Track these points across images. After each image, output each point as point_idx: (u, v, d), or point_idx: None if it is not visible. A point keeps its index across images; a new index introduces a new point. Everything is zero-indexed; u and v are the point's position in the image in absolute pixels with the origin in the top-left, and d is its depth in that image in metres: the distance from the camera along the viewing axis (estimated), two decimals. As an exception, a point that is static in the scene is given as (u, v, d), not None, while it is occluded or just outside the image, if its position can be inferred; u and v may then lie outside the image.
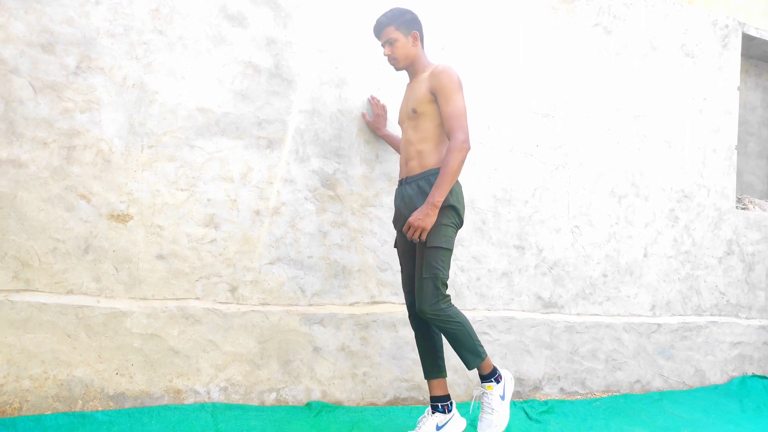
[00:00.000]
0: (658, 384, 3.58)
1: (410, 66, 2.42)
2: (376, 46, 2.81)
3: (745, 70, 4.53)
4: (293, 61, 2.67)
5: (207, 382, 2.48)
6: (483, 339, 3.02)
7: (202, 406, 2.42)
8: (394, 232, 2.81)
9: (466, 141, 2.18)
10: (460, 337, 2.24)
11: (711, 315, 3.80)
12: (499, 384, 2.35)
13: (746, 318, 3.93)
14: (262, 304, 2.58)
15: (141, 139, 2.39)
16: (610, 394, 3.39)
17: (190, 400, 2.44)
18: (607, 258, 3.44)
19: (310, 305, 2.67)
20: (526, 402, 3.02)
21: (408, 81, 2.52)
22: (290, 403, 2.61)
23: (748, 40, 4.17)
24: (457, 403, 2.84)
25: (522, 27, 3.24)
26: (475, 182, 3.05)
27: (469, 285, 3.03)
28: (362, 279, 2.78)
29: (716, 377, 3.80)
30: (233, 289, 2.53)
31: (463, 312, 2.97)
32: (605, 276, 3.43)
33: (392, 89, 2.88)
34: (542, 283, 3.23)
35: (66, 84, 2.27)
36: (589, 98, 3.42)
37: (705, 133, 3.82)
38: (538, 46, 3.28)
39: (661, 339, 3.59)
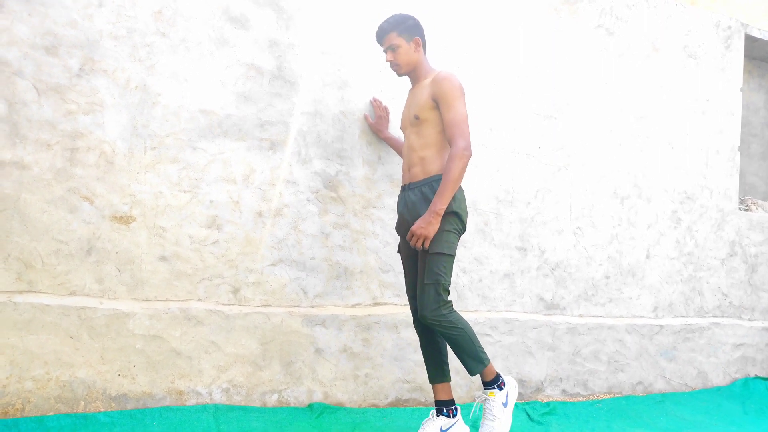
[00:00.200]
0: (660, 386, 3.57)
1: (412, 72, 2.42)
2: (378, 48, 2.82)
3: (748, 72, 4.52)
4: (296, 63, 2.68)
5: (209, 383, 2.48)
6: (485, 340, 3.02)
7: (204, 408, 2.43)
8: (396, 234, 2.81)
9: (468, 148, 2.19)
10: (461, 343, 2.24)
11: (713, 317, 3.79)
12: (502, 391, 2.35)
13: (749, 320, 3.92)
14: (265, 306, 2.58)
15: (144, 140, 2.39)
16: (612, 395, 3.39)
17: (192, 402, 2.45)
18: (610, 259, 3.43)
19: (312, 306, 2.68)
20: (528, 403, 3.02)
21: (410, 86, 2.52)
22: (292, 405, 2.62)
23: (751, 42, 4.16)
24: (458, 404, 2.84)
25: (524, 28, 3.24)
26: (477, 184, 3.05)
27: (471, 286, 3.03)
28: (364, 280, 2.78)
29: (719, 379, 3.79)
30: (235, 291, 2.54)
31: (465, 313, 2.97)
32: (607, 277, 3.43)
33: (394, 91, 2.89)
34: (544, 285, 3.23)
35: (69, 86, 2.28)
36: (591, 99, 3.42)
37: (708, 134, 3.82)
38: (540, 47, 3.28)
39: (664, 341, 3.59)
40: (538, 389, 3.18)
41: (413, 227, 2.18)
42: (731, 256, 3.87)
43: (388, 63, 2.47)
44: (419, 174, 2.32)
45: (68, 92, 2.28)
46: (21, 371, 2.20)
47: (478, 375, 2.43)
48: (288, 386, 2.62)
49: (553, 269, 3.26)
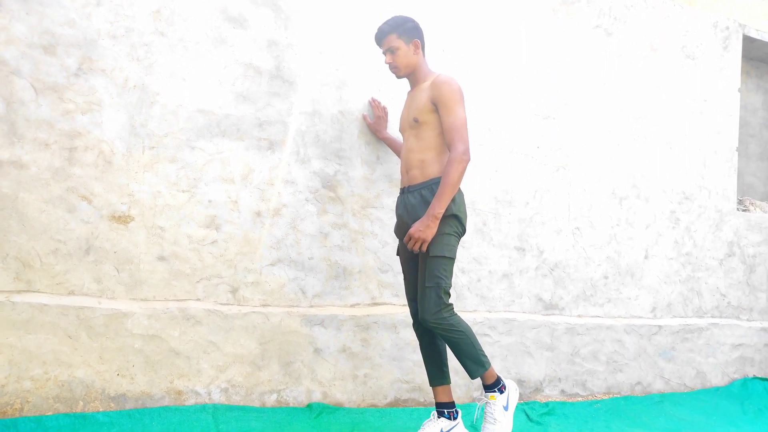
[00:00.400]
0: (659, 386, 3.57)
1: (411, 74, 2.42)
2: (376, 48, 2.82)
3: (745, 72, 4.53)
4: (294, 63, 2.68)
5: (208, 383, 2.48)
6: (483, 340, 3.02)
7: (203, 407, 2.42)
8: (395, 236, 2.80)
9: (466, 152, 2.18)
10: (462, 346, 2.24)
11: (712, 317, 3.79)
12: (503, 394, 2.34)
13: (747, 320, 3.93)
14: (263, 306, 2.58)
15: (142, 140, 2.39)
16: (610, 395, 3.39)
17: (190, 401, 2.44)
18: (608, 260, 3.44)
19: (311, 306, 2.67)
20: (526, 404, 3.02)
21: (408, 88, 2.52)
22: (291, 405, 2.61)
23: (748, 42, 4.17)
24: (457, 405, 2.84)
25: (522, 29, 3.24)
26: (475, 184, 3.05)
27: (470, 286, 3.03)
28: (363, 280, 2.78)
29: (717, 379, 3.79)
30: (234, 291, 2.54)
31: (464, 313, 2.97)
32: (606, 278, 3.43)
33: (393, 91, 2.89)
34: (543, 285, 3.23)
35: (67, 85, 2.28)
36: (589, 100, 3.43)
37: (706, 134, 3.82)
38: (539, 47, 3.28)
39: (662, 341, 3.59)
40: (537, 389, 3.18)
41: (411, 230, 2.17)
42: (729, 256, 3.87)
43: (387, 65, 2.46)
44: (418, 177, 2.32)
45: (66, 91, 2.27)
46: (19, 371, 2.19)
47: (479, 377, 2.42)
48: (287, 386, 2.62)
49: (552, 269, 3.26)
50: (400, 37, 2.35)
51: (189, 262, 2.45)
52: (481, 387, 2.92)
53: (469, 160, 2.19)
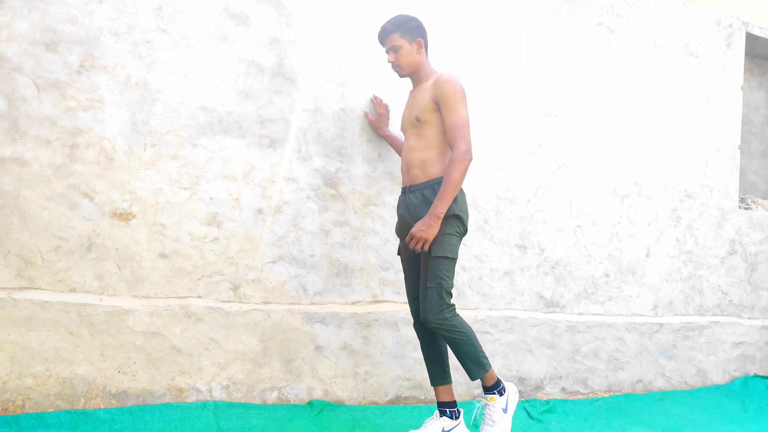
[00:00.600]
0: (660, 384, 3.57)
1: (414, 73, 2.41)
2: (379, 46, 2.81)
3: (748, 70, 4.52)
4: (296, 60, 2.67)
5: (209, 380, 2.48)
6: (485, 338, 3.02)
7: (204, 405, 2.43)
8: (397, 236, 2.80)
9: (468, 152, 2.18)
10: (463, 347, 2.23)
11: (713, 315, 3.79)
12: (502, 397, 2.33)
13: (749, 318, 3.92)
14: (264, 303, 2.58)
15: (144, 137, 2.39)
16: (611, 393, 3.39)
17: (192, 399, 2.45)
18: (610, 257, 3.44)
19: (312, 304, 2.68)
20: (527, 401, 3.02)
21: (411, 87, 2.51)
22: (292, 402, 2.62)
23: (751, 40, 4.15)
24: (458, 403, 2.84)
25: (524, 26, 3.23)
26: (477, 182, 3.05)
27: (471, 284, 3.03)
28: (364, 278, 2.78)
29: (718, 377, 3.79)
30: (235, 288, 2.54)
31: (465, 311, 2.97)
32: (607, 275, 3.43)
33: (395, 89, 2.88)
34: (544, 283, 3.23)
35: (69, 82, 2.27)
36: (591, 97, 3.42)
37: (708, 132, 3.81)
38: (541, 45, 3.27)
39: (663, 339, 3.59)
40: (538, 387, 3.18)
41: (413, 230, 2.17)
42: (731, 254, 3.87)
43: (390, 64, 2.45)
44: (419, 176, 2.31)
45: (68, 89, 2.27)
46: (21, 368, 2.20)
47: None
48: (288, 383, 2.62)
49: (553, 267, 3.26)
50: (403, 36, 2.34)
51: (190, 260, 2.46)
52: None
53: (471, 159, 2.18)
